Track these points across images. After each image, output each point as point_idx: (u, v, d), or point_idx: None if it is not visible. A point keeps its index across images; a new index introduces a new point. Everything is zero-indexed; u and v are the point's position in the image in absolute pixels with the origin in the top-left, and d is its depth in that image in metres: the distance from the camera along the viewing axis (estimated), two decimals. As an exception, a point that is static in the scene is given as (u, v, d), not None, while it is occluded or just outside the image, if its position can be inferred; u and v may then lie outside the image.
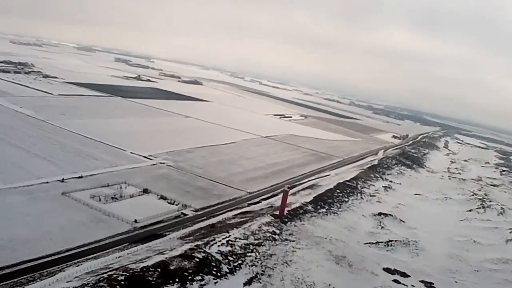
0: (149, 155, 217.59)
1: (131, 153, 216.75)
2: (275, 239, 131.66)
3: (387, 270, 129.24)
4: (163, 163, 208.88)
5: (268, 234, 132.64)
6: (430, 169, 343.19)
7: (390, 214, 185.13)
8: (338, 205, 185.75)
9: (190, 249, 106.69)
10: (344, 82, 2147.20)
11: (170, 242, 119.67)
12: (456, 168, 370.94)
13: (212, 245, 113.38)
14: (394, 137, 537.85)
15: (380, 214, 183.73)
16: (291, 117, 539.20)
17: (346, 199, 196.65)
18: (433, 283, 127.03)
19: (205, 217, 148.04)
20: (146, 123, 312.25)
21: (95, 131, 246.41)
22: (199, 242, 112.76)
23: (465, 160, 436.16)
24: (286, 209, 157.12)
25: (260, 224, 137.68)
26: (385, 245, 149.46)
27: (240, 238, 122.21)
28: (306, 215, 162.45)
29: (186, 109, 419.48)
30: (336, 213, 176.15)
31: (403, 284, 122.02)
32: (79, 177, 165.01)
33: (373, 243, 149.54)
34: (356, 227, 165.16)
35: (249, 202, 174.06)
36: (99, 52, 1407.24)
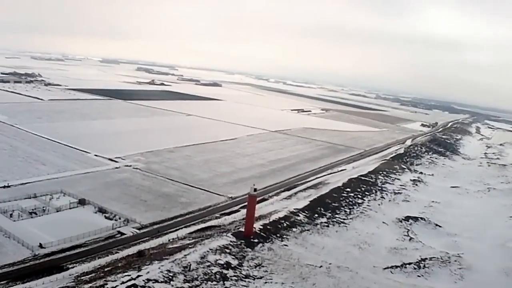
0: (116, 157, 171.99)
1: (95, 155, 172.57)
2: (225, 278, 77.81)
3: (420, 314, 78.64)
4: (129, 166, 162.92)
5: (215, 269, 78.57)
6: (465, 155, 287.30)
7: (421, 218, 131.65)
8: (347, 210, 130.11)
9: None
10: (371, 77, 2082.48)
11: (57, 283, 72.74)
12: (493, 153, 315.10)
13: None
14: (423, 125, 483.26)
15: (407, 218, 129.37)
16: (310, 111, 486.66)
17: (360, 201, 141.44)
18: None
19: (147, 237, 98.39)
20: (134, 123, 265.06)
21: (66, 133, 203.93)
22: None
23: (500, 145, 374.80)
24: (261, 222, 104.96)
25: (206, 251, 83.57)
26: (415, 268, 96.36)
27: (156, 281, 69.60)
28: (293, 229, 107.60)
29: (191, 108, 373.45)
30: (343, 222, 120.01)
31: None
32: (4, 187, 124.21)
33: (397, 267, 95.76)
34: (372, 242, 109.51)
35: (224, 212, 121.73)
36: (123, 64, 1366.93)
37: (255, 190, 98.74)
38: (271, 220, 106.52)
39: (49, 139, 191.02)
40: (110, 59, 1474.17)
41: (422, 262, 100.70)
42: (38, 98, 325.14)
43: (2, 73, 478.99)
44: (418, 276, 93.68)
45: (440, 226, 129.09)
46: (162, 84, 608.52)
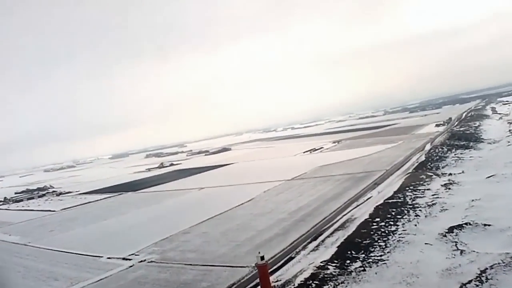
0: (129, 255, 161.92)
1: (107, 258, 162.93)
2: None
3: None
4: (144, 261, 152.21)
5: None
6: (490, 139, 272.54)
7: (466, 224, 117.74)
8: (382, 244, 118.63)
9: None
10: (375, 95, 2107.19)
11: None
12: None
13: None
14: (437, 125, 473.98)
15: (451, 229, 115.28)
16: (322, 147, 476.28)
17: (393, 228, 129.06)
18: None
19: None
20: (146, 213, 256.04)
21: (78, 241, 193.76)
22: None
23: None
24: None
25: None
26: (477, 285, 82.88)
27: None
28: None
29: (202, 180, 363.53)
30: (381, 259, 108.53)
31: None
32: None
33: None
34: (420, 271, 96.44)
35: (249, 287, 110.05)
36: (132, 155, 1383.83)
37: (262, 258, 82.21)
38: (295, 285, 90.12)
39: (61, 251, 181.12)
40: (120, 153, 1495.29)
41: (483, 274, 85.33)
42: (51, 210, 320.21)
43: (15, 193, 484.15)
44: (485, 294, 79.21)
45: (489, 225, 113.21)
46: (172, 164, 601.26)
